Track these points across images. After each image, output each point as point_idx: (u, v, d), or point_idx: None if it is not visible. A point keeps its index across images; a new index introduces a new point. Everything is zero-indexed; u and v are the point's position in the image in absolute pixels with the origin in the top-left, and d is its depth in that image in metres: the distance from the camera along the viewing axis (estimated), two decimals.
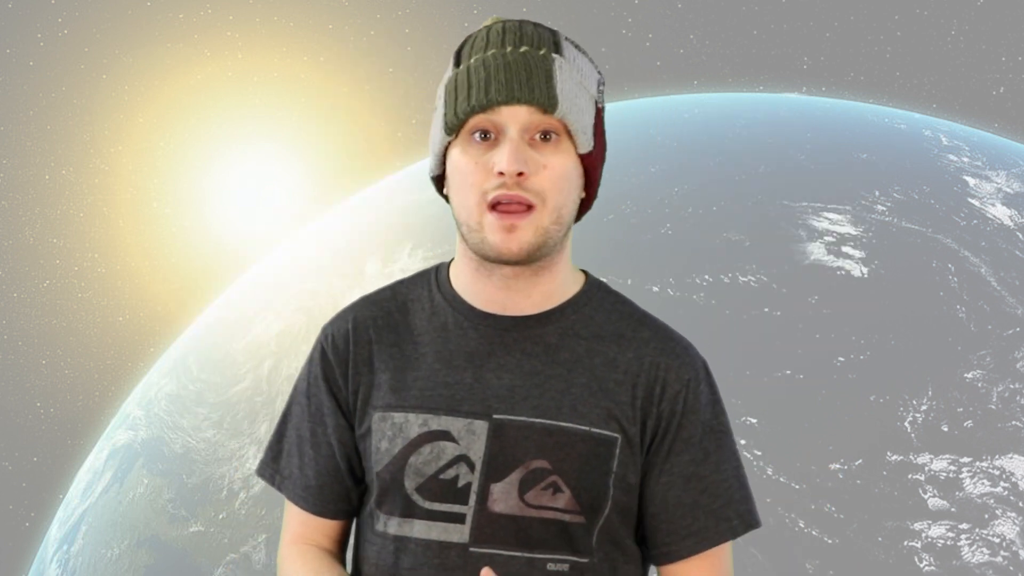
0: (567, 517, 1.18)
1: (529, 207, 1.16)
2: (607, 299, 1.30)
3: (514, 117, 1.15)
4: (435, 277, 1.32)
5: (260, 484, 12.70)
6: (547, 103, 1.14)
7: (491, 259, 1.18)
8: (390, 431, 1.24)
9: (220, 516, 12.66)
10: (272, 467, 1.37)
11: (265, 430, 13.63)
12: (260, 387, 14.56)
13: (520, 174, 1.14)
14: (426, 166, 1.27)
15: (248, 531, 12.12)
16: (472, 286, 1.26)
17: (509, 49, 1.18)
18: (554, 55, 1.18)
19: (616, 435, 1.20)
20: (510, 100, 1.14)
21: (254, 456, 13.23)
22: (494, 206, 1.16)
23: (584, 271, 1.33)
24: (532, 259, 1.19)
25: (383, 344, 1.29)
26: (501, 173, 1.14)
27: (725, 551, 1.25)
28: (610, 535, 1.22)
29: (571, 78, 1.18)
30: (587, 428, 1.19)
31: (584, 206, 1.27)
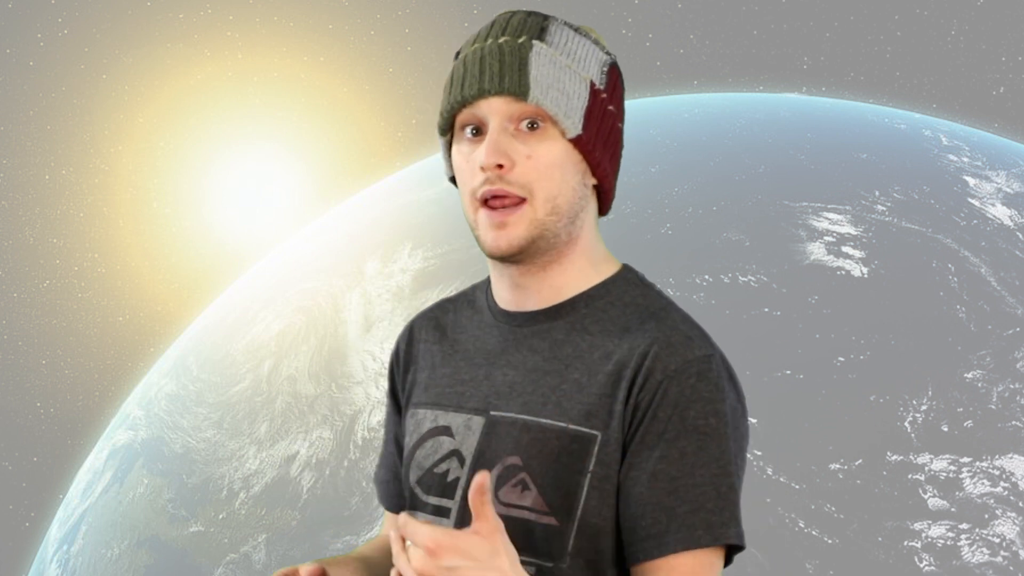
0: (534, 517, 1.13)
1: (520, 201, 1.14)
2: (628, 292, 1.23)
3: (492, 109, 1.14)
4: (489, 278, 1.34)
5: (260, 484, 12.70)
6: (518, 90, 1.12)
7: (493, 257, 1.18)
8: (412, 426, 1.28)
9: (220, 516, 12.66)
10: (376, 466, 1.45)
11: (265, 430, 13.63)
12: (260, 387, 14.57)
13: (500, 166, 1.13)
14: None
15: (248, 531, 12.11)
16: (495, 285, 1.26)
17: (489, 42, 1.17)
18: (534, 41, 1.16)
19: (595, 432, 1.13)
20: (482, 93, 1.14)
21: (254, 456, 13.23)
22: (485, 202, 1.15)
23: (625, 265, 1.28)
24: (530, 254, 1.17)
25: (427, 343, 1.33)
26: (483, 168, 1.13)
27: (695, 566, 1.08)
28: (593, 541, 1.13)
29: (552, 62, 1.15)
30: (565, 424, 1.14)
31: (603, 194, 1.24)
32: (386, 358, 13.86)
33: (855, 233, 13.27)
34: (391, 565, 1.32)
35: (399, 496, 1.37)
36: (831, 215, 13.66)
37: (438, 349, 1.31)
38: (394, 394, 1.38)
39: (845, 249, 12.91)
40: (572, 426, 1.14)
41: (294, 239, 20.19)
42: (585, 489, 1.12)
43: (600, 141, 1.19)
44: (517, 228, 1.14)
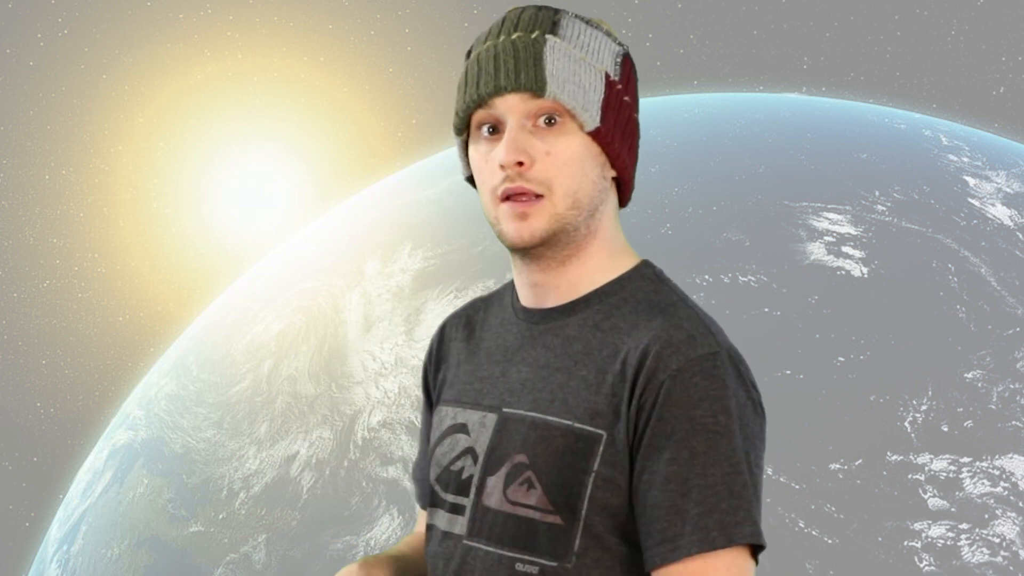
0: (539, 516, 1.12)
1: (538, 196, 1.14)
2: (642, 288, 1.21)
3: (509, 107, 1.14)
4: None
5: (260, 484, 12.71)
6: (535, 86, 1.12)
7: (516, 250, 1.18)
8: (436, 424, 1.29)
9: (220, 516, 12.66)
10: (413, 465, 1.46)
11: (265, 430, 13.63)
12: (260, 387, 14.56)
13: (520, 164, 1.13)
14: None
15: (248, 531, 12.12)
16: (516, 282, 1.27)
17: (502, 39, 1.17)
18: (547, 36, 1.16)
19: (600, 432, 1.12)
20: (499, 90, 1.13)
21: (254, 456, 13.23)
22: (506, 198, 1.15)
23: (645, 260, 1.27)
24: (551, 246, 1.17)
25: (457, 341, 1.34)
26: (503, 166, 1.13)
27: (712, 568, 1.07)
28: (599, 540, 1.12)
29: (567, 56, 1.15)
30: (570, 423, 1.13)
31: (622, 186, 1.25)
32: (386, 358, 13.87)
33: (855, 233, 13.27)
34: (425, 561, 1.34)
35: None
36: (831, 215, 13.66)
37: (464, 347, 1.31)
38: (428, 393, 1.39)
39: (845, 249, 12.91)
40: (577, 424, 1.13)
41: (294, 239, 20.19)
42: (589, 489, 1.11)
43: (618, 133, 1.19)
44: (538, 219, 1.14)
